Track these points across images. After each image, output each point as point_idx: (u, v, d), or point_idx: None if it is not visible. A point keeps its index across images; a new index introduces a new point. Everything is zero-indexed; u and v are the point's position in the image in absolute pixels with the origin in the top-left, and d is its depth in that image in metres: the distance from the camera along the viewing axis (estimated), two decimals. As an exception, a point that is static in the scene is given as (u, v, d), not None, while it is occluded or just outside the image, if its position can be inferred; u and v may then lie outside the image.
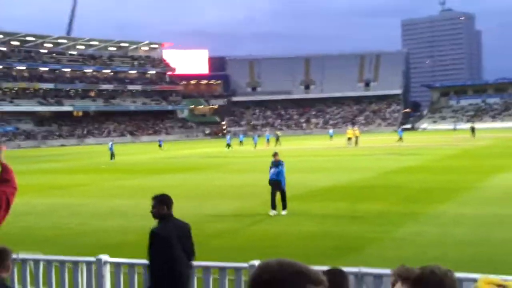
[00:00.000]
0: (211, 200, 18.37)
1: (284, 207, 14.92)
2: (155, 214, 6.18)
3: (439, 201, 16.19)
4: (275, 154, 15.70)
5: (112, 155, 44.52)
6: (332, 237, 11.83)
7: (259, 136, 71.81)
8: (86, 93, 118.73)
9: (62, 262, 7.31)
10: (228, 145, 55.97)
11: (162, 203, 6.19)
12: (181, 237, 6.11)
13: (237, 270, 6.38)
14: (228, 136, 60.88)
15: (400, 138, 56.21)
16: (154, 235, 6.03)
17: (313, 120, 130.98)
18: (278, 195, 14.96)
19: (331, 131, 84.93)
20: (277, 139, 60.17)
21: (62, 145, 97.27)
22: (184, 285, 6.05)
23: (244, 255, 10.01)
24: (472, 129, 64.22)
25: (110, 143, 46.81)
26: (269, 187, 15.24)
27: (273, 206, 14.81)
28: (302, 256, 10.08)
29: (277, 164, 15.29)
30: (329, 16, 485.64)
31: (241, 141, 65.84)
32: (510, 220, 12.93)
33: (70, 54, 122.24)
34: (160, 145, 65.68)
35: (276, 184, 15.02)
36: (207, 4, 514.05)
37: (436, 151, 40.39)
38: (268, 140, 62.21)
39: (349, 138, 53.48)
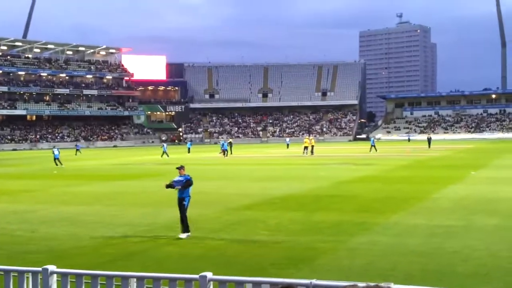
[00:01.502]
0: (165, 207, 18.15)
1: (183, 230, 13.06)
2: None
3: (392, 211, 16.37)
4: (180, 168, 13.81)
5: (56, 161, 43.01)
6: (284, 246, 11.79)
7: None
8: (40, 97, 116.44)
9: (7, 272, 7.07)
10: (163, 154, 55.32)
11: None
12: None
13: (188, 281, 6.26)
14: (164, 145, 60.26)
15: (373, 147, 56.20)
16: None
17: (270, 129, 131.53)
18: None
19: (287, 139, 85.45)
20: (230, 146, 59.72)
21: (14, 149, 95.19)
22: None
23: (196, 265, 9.91)
24: (429, 140, 66.12)
25: (56, 149, 45.03)
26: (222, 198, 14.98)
27: (185, 228, 13.15)
28: (253, 266, 10.03)
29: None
30: (288, 26, 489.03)
31: (189, 148, 65.78)
32: (460, 230, 13.15)
33: (26, 57, 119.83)
34: (77, 150, 65.92)
35: (180, 201, 13.37)
36: (167, 10, 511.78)
37: (390, 161, 40.96)
38: (222, 147, 61.88)
39: (306, 147, 53.73)
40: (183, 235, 12.91)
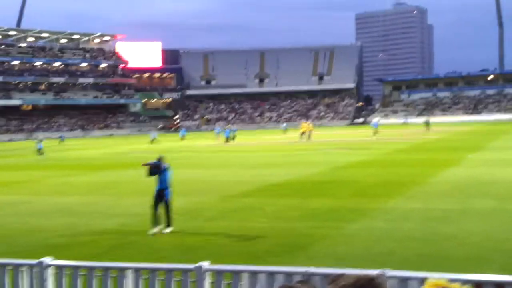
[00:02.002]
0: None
1: (168, 224, 12.50)
2: None
3: (389, 195, 16.35)
4: (160, 158, 13.07)
5: (39, 152, 43.37)
6: (282, 234, 11.78)
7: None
8: (36, 86, 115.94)
9: (2, 265, 7.04)
10: (152, 141, 55.73)
11: None
12: None
13: (185, 271, 6.24)
14: (154, 133, 61.13)
15: (376, 131, 55.35)
16: None
17: (267, 114, 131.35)
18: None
19: (284, 124, 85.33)
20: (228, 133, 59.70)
21: (10, 140, 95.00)
22: None
23: (192, 255, 9.89)
24: (427, 123, 65.45)
25: (39, 143, 45.00)
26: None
27: (156, 221, 12.48)
28: (249, 254, 10.02)
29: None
30: (284, 9, 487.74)
31: (183, 136, 66.25)
32: (456, 215, 13.13)
33: (20, 46, 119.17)
34: (61, 141, 66.41)
35: (159, 194, 12.70)
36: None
37: (387, 145, 40.92)
38: (218, 134, 61.91)
39: (303, 133, 53.56)
40: (168, 230, 12.37)
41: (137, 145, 56.06)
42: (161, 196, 12.60)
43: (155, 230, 12.31)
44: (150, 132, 66.21)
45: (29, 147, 54.30)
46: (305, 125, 55.71)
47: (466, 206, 14.20)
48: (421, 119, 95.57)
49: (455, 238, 10.76)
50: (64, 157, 42.00)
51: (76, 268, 6.76)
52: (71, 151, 49.56)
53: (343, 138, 56.42)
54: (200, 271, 5.92)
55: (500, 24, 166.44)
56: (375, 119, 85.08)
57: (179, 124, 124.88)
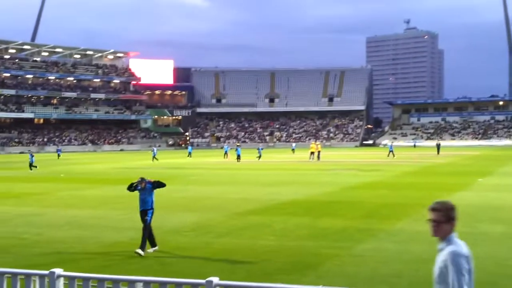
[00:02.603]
0: (172, 212, 18.22)
1: (142, 246, 11.76)
2: None
3: (398, 217, 16.38)
4: (142, 179, 12.47)
5: (31, 166, 42.72)
6: (290, 252, 11.83)
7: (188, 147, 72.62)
8: (48, 100, 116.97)
9: (15, 274, 7.14)
10: (154, 158, 55.79)
11: None
12: None
13: (194, 286, 6.31)
14: (154, 148, 61.34)
15: (391, 152, 57.95)
16: None
17: (277, 134, 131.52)
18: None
19: (294, 144, 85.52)
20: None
21: (22, 153, 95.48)
22: None
23: (202, 270, 9.97)
24: (438, 146, 66.52)
25: (30, 155, 44.60)
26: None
27: (151, 243, 12.11)
28: (259, 271, 10.09)
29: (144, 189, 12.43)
30: (295, 31, 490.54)
31: (189, 153, 66.57)
32: (465, 238, 13.04)
33: (34, 61, 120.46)
34: (58, 155, 66.51)
35: (142, 215, 12.30)
36: (174, 14, 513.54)
37: (397, 167, 40.90)
38: (226, 152, 62.03)
39: (312, 153, 53.70)
40: (150, 250, 11.94)
41: (146, 161, 56.28)
42: (143, 217, 12.22)
43: (150, 250, 11.95)
44: (152, 148, 66.33)
45: (41, 160, 54.64)
46: (314, 145, 55.90)
47: (475, 230, 14.18)
48: (430, 143, 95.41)
49: (464, 261, 10.75)
50: (73, 170, 42.20)
51: (86, 279, 6.85)
52: (81, 165, 49.84)
53: (352, 159, 56.41)
54: (210, 286, 5.98)
55: (511, 51, 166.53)
56: (390, 142, 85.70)
57: (189, 141, 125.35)
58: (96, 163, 53.52)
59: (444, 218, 4.38)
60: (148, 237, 12.02)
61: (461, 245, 4.40)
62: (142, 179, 12.43)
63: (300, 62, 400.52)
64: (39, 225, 16.15)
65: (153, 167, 45.17)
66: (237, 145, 59.70)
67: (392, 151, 58.60)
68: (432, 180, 29.66)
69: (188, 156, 64.58)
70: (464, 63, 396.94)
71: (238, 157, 52.72)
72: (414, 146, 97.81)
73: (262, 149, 61.58)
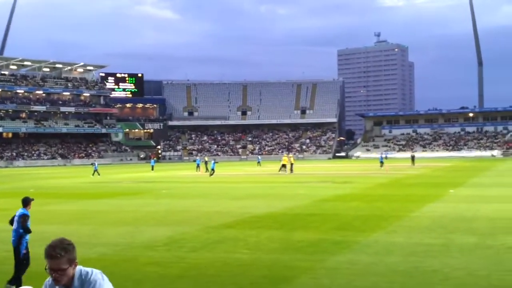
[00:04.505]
0: (143, 227, 17.96)
1: (12, 280, 10.40)
2: None
3: (371, 229, 16.36)
4: (26, 202, 11.45)
5: None
6: (264, 265, 11.70)
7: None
8: (17, 114, 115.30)
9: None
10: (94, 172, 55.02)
11: None
12: None
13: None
14: (95, 163, 60.35)
15: (382, 163, 59.40)
16: None
17: (249, 146, 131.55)
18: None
19: (259, 157, 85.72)
20: (206, 164, 59.56)
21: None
22: None
23: (176, 286, 9.78)
24: (412, 158, 67.94)
25: None
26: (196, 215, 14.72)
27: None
28: (234, 285, 9.95)
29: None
30: (267, 43, 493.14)
31: (152, 166, 66.24)
32: (438, 249, 13.17)
33: (2, 74, 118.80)
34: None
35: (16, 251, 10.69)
36: (145, 27, 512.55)
37: (369, 179, 41.11)
38: (198, 165, 61.70)
39: (284, 165, 53.59)
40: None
41: (124, 174, 55.70)
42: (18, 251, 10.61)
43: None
44: (93, 163, 64.08)
45: (9, 175, 53.68)
46: (286, 157, 55.87)
47: (449, 241, 14.24)
48: (403, 154, 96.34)
49: (439, 272, 10.77)
50: (43, 185, 41.53)
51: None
52: (50, 180, 49.07)
53: (325, 171, 56.62)
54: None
55: (480, 63, 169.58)
56: (383, 153, 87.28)
57: (160, 154, 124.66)
58: (66, 178, 52.78)
59: (69, 263, 3.67)
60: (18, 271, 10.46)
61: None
62: (27, 201, 11.40)
63: (272, 75, 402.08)
64: (7, 241, 15.72)
65: (99, 182, 44.47)
66: (214, 160, 59.14)
67: (382, 162, 60.10)
68: (405, 191, 29.84)
69: (151, 170, 63.85)
70: (434, 75, 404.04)
71: (212, 170, 51.81)
72: (386, 157, 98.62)
73: (204, 162, 60.97)
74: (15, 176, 58.19)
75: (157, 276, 11.09)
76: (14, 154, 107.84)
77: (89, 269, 3.73)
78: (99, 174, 53.33)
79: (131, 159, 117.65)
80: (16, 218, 10.94)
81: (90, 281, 3.67)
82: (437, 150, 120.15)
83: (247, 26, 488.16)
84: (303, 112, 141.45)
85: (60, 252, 3.67)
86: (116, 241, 15.31)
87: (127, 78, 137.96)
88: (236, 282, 10.26)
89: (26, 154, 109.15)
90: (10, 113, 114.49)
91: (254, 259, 12.41)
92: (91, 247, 14.42)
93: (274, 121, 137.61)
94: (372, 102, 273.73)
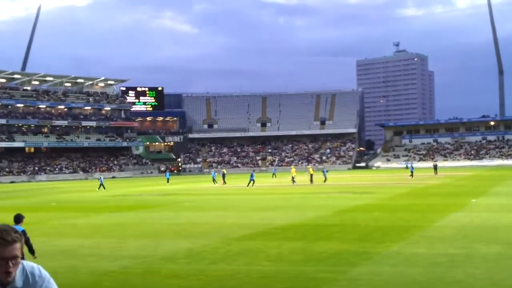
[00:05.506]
0: (164, 239, 18.02)
1: None
2: None
3: (393, 240, 16.24)
4: (18, 219, 11.39)
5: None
6: (287, 277, 11.67)
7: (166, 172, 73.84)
8: (39, 129, 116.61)
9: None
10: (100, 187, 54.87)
11: None
12: None
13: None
14: (101, 177, 59.87)
15: (412, 174, 59.49)
16: None
17: (269, 158, 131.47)
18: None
19: (274, 169, 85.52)
20: (223, 176, 59.52)
21: (12, 182, 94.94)
22: None
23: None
24: (435, 167, 68.12)
25: None
26: (226, 226, 14.71)
27: None
28: (256, 298, 9.91)
29: None
30: (285, 54, 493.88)
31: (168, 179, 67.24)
32: (461, 260, 13.02)
33: (24, 90, 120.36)
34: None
35: None
36: (164, 41, 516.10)
37: (390, 189, 40.84)
38: (214, 178, 61.70)
39: (293, 177, 53.62)
40: None
41: (145, 188, 56.00)
42: None
43: None
44: (99, 177, 61.18)
45: (31, 189, 54.23)
46: (294, 169, 56.74)
47: (471, 251, 14.08)
48: (423, 164, 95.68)
49: (461, 283, 10.65)
50: (65, 199, 41.88)
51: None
52: (72, 194, 49.49)
53: (345, 181, 56.35)
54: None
55: (501, 71, 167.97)
56: (411, 163, 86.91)
57: (181, 167, 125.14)
58: (87, 191, 53.17)
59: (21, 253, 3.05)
60: None
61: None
62: (19, 218, 11.39)
63: (291, 86, 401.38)
64: (30, 255, 15.88)
65: (105, 196, 44.66)
66: (253, 170, 59.05)
67: (412, 171, 60.04)
68: (426, 201, 29.61)
69: (167, 182, 64.27)
70: (455, 84, 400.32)
71: (252, 181, 51.37)
72: (407, 167, 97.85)
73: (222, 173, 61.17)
74: (37, 190, 58.76)
75: (179, 287, 11.11)
76: (37, 168, 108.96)
77: (30, 263, 3.15)
78: (104, 188, 53.61)
79: (151, 172, 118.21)
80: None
81: (42, 277, 3.15)
82: (458, 159, 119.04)
83: (265, 38, 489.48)
84: (323, 123, 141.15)
85: (17, 236, 2.99)
86: (137, 253, 15.37)
87: (147, 92, 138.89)
88: (257, 294, 10.24)
89: (48, 168, 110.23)
90: (33, 128, 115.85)
91: (276, 271, 12.38)
92: (112, 260, 14.50)
93: (293, 132, 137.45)
94: (392, 112, 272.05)
